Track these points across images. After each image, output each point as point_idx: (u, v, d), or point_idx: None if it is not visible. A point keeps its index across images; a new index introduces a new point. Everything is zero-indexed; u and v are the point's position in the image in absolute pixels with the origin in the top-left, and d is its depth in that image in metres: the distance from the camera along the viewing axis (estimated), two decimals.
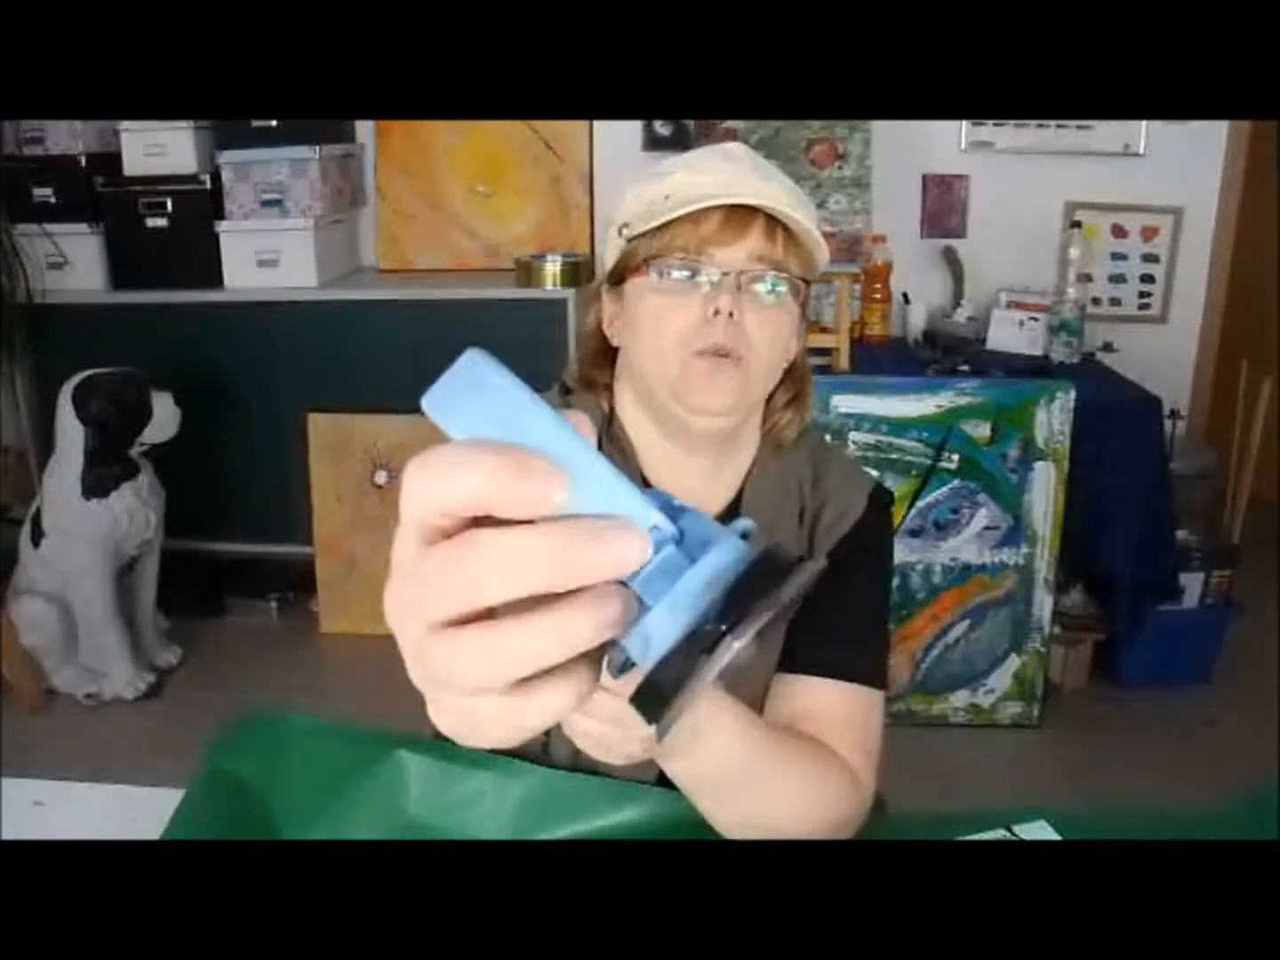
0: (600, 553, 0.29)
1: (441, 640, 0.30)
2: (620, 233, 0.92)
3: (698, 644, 0.31)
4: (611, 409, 0.98)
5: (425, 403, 0.33)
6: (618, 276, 0.93)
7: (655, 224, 0.87)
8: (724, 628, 0.31)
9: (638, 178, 0.93)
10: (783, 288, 0.88)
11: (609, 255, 0.95)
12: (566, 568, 0.29)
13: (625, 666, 0.36)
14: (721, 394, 0.88)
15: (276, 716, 1.00)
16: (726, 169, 0.88)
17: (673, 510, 0.34)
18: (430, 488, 0.30)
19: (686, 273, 0.87)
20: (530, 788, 0.91)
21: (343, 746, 0.95)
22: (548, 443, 0.31)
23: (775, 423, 0.98)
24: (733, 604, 0.31)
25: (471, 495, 0.29)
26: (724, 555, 0.32)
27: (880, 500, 1.01)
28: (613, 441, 0.96)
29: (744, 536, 0.34)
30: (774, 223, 0.87)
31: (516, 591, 0.29)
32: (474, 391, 0.32)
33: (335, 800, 0.92)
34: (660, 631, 0.32)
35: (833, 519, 0.98)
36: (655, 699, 0.32)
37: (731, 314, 0.85)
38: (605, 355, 0.98)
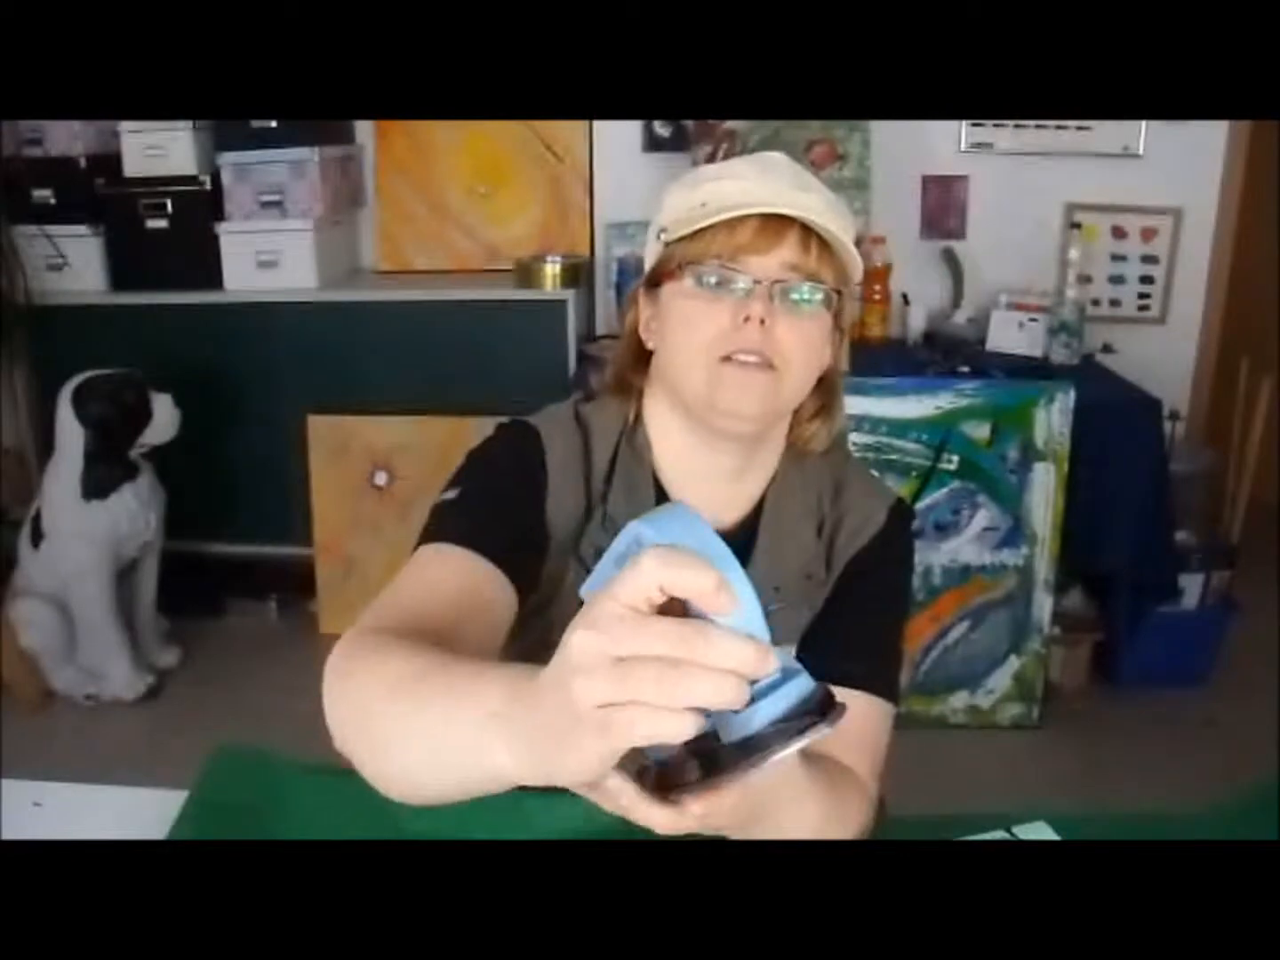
0: (765, 665, 0.47)
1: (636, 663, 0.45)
2: (659, 236, 0.92)
3: (751, 748, 0.49)
4: (638, 414, 0.98)
5: (637, 525, 0.52)
6: (654, 280, 0.94)
7: (691, 229, 0.88)
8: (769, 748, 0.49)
9: (679, 182, 0.93)
10: (816, 297, 0.88)
11: (648, 259, 0.96)
12: (751, 666, 0.46)
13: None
14: (752, 399, 0.88)
15: (260, 757, 0.98)
16: (764, 178, 0.88)
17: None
18: (668, 576, 0.46)
19: (720, 279, 0.88)
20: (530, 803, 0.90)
21: (330, 781, 0.93)
22: (738, 582, 0.49)
23: (801, 433, 0.98)
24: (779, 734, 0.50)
25: (688, 589, 0.46)
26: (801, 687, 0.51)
27: (901, 514, 1.01)
28: (631, 446, 0.96)
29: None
30: (809, 233, 0.87)
31: (724, 667, 0.45)
32: (686, 531, 0.51)
33: (327, 830, 0.90)
34: (740, 721, 0.50)
35: (852, 531, 0.99)
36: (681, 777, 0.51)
37: (763, 321, 0.86)
38: (640, 358, 0.98)
